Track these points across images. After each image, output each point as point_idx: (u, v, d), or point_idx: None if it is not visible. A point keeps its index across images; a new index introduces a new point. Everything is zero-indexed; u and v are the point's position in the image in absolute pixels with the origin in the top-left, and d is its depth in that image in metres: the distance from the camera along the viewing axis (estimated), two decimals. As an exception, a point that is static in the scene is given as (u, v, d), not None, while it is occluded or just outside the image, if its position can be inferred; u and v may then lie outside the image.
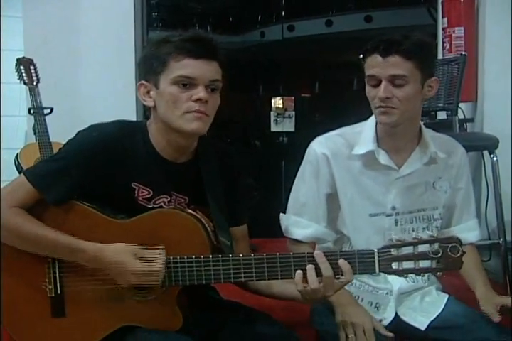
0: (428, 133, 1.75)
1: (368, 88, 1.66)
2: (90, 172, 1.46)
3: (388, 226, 1.74)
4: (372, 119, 1.75)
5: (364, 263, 1.39)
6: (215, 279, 1.42)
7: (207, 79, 1.45)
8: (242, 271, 1.41)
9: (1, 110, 3.38)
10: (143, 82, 1.50)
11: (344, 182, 1.73)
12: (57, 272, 1.47)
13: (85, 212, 1.47)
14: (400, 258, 1.37)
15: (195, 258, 1.41)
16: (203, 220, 1.48)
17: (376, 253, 1.38)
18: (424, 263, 1.37)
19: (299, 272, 1.39)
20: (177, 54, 1.44)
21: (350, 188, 1.73)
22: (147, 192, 1.52)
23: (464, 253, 1.37)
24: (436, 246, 1.36)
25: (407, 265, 1.37)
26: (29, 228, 1.43)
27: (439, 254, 1.36)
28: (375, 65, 1.60)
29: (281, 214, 1.82)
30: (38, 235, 1.43)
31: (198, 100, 1.43)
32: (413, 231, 1.75)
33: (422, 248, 1.36)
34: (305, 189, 1.77)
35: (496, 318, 1.58)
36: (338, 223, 1.79)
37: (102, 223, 1.46)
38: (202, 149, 1.56)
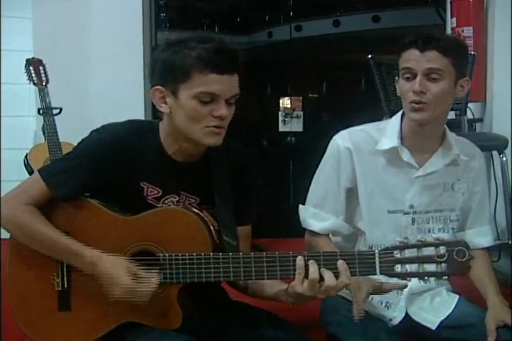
0: (451, 136, 1.75)
1: (401, 82, 1.67)
2: (100, 172, 1.49)
3: (405, 224, 1.74)
4: (397, 117, 1.76)
5: (364, 264, 1.35)
6: (215, 277, 1.42)
7: (229, 95, 1.44)
8: (242, 269, 1.40)
9: (0, 110, 3.40)
10: (159, 87, 1.46)
11: (365, 177, 1.74)
12: (66, 266, 1.50)
13: (93, 208, 1.51)
14: (403, 261, 1.32)
15: (196, 255, 1.42)
16: (206, 219, 1.49)
17: (377, 255, 1.34)
18: (428, 267, 1.32)
19: (301, 258, 1.37)
20: (202, 67, 1.40)
21: (371, 183, 1.74)
22: (156, 192, 1.54)
23: (472, 257, 1.33)
24: (441, 249, 1.31)
25: (411, 268, 1.32)
26: (35, 226, 1.48)
27: (445, 258, 1.30)
28: (412, 58, 1.61)
29: (300, 205, 1.83)
30: (42, 234, 1.47)
31: (219, 117, 1.43)
32: (429, 231, 1.75)
33: (427, 251, 1.31)
34: (325, 182, 1.78)
35: (491, 338, 1.58)
36: (355, 218, 1.79)
37: (109, 219, 1.49)
38: (212, 149, 1.55)
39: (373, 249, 1.73)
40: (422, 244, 1.32)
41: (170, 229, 1.46)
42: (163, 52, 1.45)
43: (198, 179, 1.56)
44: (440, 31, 3.61)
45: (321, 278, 1.36)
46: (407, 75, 1.64)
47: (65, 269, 1.50)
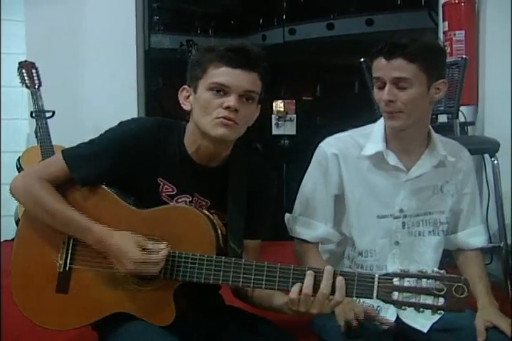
0: (437, 137, 1.76)
1: (375, 90, 1.67)
2: (120, 162, 1.53)
3: (395, 228, 1.74)
4: (381, 121, 1.76)
5: (362, 286, 1.35)
6: (214, 279, 1.43)
7: (241, 89, 1.48)
8: (242, 275, 1.42)
9: (0, 113, 3.39)
10: (185, 86, 1.56)
11: (353, 182, 1.74)
12: (71, 249, 1.53)
13: (108, 196, 1.54)
14: (401, 289, 1.33)
15: (199, 256, 1.44)
16: (215, 222, 1.51)
17: (376, 279, 1.35)
18: (425, 299, 1.32)
19: (298, 284, 1.37)
20: (217, 62, 1.48)
21: (359, 189, 1.74)
22: (171, 189, 1.57)
23: (469, 295, 1.32)
24: (441, 283, 1.31)
25: (408, 298, 1.32)
26: (50, 200, 1.51)
27: (443, 292, 1.31)
28: (380, 67, 1.62)
29: (286, 214, 1.83)
30: (55, 208, 1.50)
31: (228, 108, 1.46)
32: (419, 234, 1.76)
33: (427, 283, 1.32)
34: (313, 189, 1.77)
35: (481, 338, 1.58)
36: (343, 225, 1.79)
37: (121, 209, 1.53)
38: (233, 158, 1.60)
39: (363, 255, 1.74)
40: (422, 275, 1.33)
41: (179, 226, 1.49)
42: (192, 57, 1.55)
43: (213, 183, 1.59)
44: (432, 35, 3.61)
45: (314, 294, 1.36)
46: (378, 84, 1.64)
47: (69, 251, 1.53)
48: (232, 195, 1.58)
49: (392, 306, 1.69)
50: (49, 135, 3.02)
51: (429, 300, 1.32)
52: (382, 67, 1.61)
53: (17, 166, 3.16)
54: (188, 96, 1.55)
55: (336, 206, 1.77)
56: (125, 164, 1.53)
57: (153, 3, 4.80)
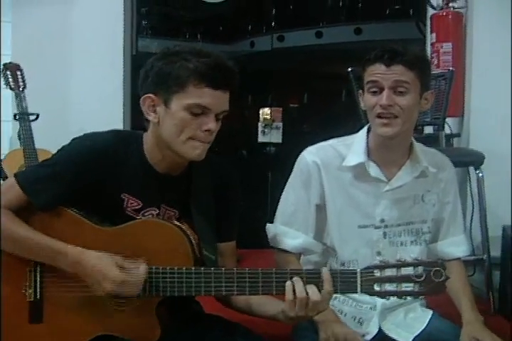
0: (418, 147, 1.76)
1: (367, 96, 1.65)
2: (80, 181, 1.46)
3: (376, 238, 1.73)
4: (363, 131, 1.75)
5: (346, 282, 1.38)
6: (196, 291, 1.41)
7: (220, 110, 1.45)
8: (224, 284, 1.40)
9: (0, 114, 3.34)
10: (150, 95, 1.46)
11: (333, 192, 1.73)
12: (39, 276, 1.47)
13: (71, 218, 1.47)
14: (382, 280, 1.36)
15: (177, 269, 1.41)
16: (188, 232, 1.48)
17: (359, 274, 1.38)
18: (406, 286, 1.36)
19: (288, 283, 1.37)
20: (198, 81, 1.41)
21: (340, 199, 1.73)
22: (136, 204, 1.52)
23: (448, 278, 1.36)
24: (419, 269, 1.35)
25: (390, 287, 1.36)
26: (14, 229, 1.44)
27: (422, 278, 1.35)
28: (378, 72, 1.61)
29: (268, 224, 1.81)
30: (22, 236, 1.43)
31: (208, 131, 1.43)
32: (401, 244, 1.75)
33: (406, 271, 1.36)
34: (295, 198, 1.76)
35: None
36: (324, 235, 1.77)
37: (87, 229, 1.46)
38: (196, 163, 1.54)
39: (346, 265, 1.73)
40: (401, 264, 1.36)
41: (151, 241, 1.44)
42: (159, 61, 1.45)
43: (179, 192, 1.55)
44: (420, 46, 3.64)
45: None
46: (374, 89, 1.63)
47: (38, 279, 1.47)
48: (196, 202, 1.54)
49: (374, 319, 1.72)
50: (32, 138, 2.98)
51: (409, 287, 1.36)
52: (381, 72, 1.60)
53: (-1, 169, 3.12)
54: (154, 106, 1.46)
55: (317, 216, 1.76)
56: (84, 182, 1.46)
57: (142, 8, 4.78)
